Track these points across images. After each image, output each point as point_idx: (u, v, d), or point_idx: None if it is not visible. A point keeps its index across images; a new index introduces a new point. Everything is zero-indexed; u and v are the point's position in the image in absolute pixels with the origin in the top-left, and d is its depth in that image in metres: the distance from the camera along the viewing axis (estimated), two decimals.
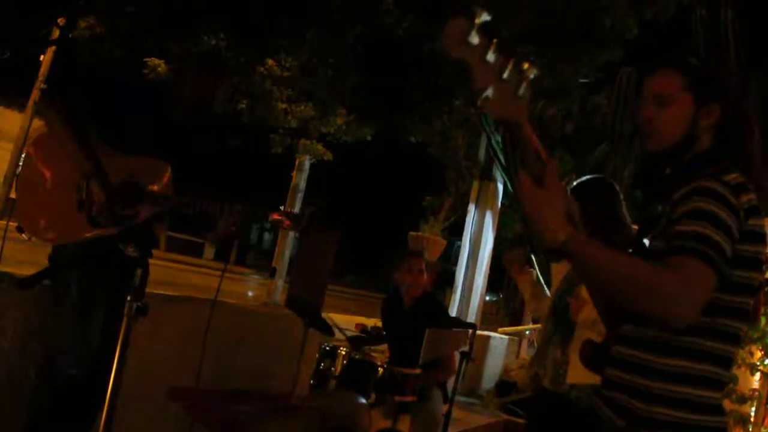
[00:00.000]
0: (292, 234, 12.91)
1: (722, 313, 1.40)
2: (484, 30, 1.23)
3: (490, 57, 1.24)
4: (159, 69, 8.94)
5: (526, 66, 1.29)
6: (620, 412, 1.47)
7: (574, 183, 2.76)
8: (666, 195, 1.51)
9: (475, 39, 1.22)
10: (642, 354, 1.45)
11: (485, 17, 1.21)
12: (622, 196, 2.74)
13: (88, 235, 2.34)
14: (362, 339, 3.81)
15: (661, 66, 1.56)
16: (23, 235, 2.33)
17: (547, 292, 3.08)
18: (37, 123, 2.59)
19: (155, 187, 2.55)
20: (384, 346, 3.92)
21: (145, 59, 8.91)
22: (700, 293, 1.30)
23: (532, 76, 1.29)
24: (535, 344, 10.84)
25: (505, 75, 1.26)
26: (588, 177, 2.83)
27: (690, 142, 1.51)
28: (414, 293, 3.74)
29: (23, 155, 2.43)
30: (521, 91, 1.29)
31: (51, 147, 2.41)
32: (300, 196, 12.86)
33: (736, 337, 1.44)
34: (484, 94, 1.25)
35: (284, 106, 10.24)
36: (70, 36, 8.49)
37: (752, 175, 1.45)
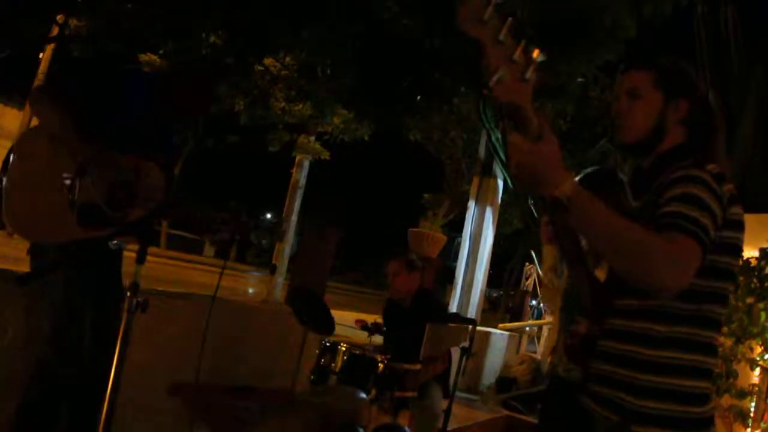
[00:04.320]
0: (291, 231, 12.93)
1: (707, 299, 1.44)
2: (499, 10, 1.23)
3: (503, 37, 1.25)
4: (157, 64, 8.92)
5: (534, 49, 1.29)
6: (611, 407, 1.48)
7: (582, 174, 2.74)
8: (644, 189, 1.55)
9: (489, 18, 1.23)
10: (631, 347, 1.47)
11: None
12: (628, 188, 2.73)
13: (78, 236, 2.28)
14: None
15: (633, 65, 1.63)
16: (5, 230, 2.30)
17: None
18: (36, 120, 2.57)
19: (149, 187, 2.48)
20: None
21: (139, 55, 8.89)
22: (688, 266, 1.33)
23: (539, 60, 1.29)
24: (536, 340, 10.82)
25: (514, 57, 1.27)
26: (595, 168, 2.82)
27: (659, 135, 1.57)
28: (394, 296, 3.75)
29: (11, 153, 2.35)
30: (528, 74, 1.29)
31: (40, 143, 2.34)
32: (300, 192, 12.84)
33: (719, 323, 1.49)
34: (497, 76, 1.26)
35: (282, 104, 10.21)
36: (65, 32, 8.49)
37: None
